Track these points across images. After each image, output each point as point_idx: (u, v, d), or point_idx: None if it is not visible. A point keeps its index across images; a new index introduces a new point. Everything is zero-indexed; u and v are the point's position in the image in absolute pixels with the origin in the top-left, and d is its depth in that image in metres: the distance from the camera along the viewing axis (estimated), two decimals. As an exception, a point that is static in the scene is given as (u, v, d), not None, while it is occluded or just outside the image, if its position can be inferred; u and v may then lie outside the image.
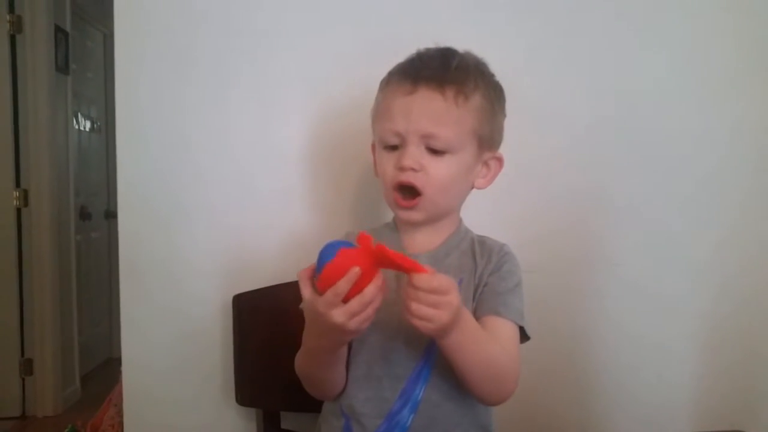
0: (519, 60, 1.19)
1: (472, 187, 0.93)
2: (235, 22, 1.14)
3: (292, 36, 1.14)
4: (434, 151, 0.86)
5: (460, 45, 0.90)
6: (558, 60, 1.20)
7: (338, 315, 0.74)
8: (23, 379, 2.93)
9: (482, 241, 0.95)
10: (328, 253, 0.75)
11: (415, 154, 0.85)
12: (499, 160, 0.94)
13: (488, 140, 0.91)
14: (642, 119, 1.22)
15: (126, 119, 1.14)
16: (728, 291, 1.25)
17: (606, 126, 1.22)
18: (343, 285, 0.73)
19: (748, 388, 1.27)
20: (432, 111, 0.85)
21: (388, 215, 0.98)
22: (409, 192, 0.87)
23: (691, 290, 1.25)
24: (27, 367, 2.92)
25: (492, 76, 0.92)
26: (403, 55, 0.91)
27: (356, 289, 0.73)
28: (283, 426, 1.10)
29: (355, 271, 0.72)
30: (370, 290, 0.74)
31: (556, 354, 1.22)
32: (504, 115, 0.94)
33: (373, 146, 0.95)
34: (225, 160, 1.15)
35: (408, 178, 0.86)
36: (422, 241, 0.92)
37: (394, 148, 0.87)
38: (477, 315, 0.88)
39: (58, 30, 3.00)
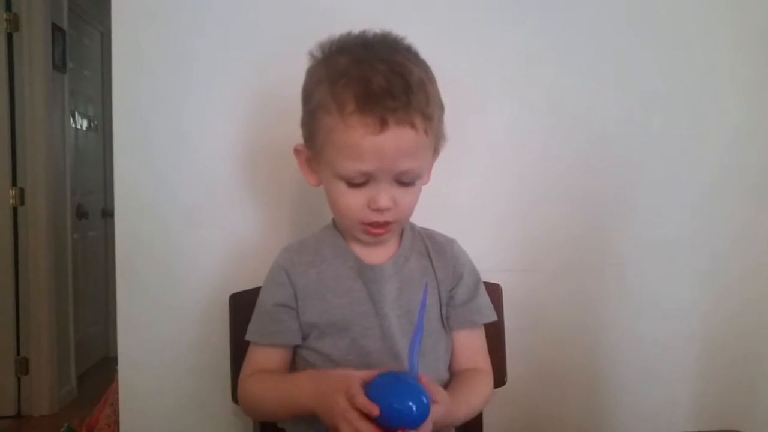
0: (520, 62, 1.19)
1: None
2: (233, 18, 1.14)
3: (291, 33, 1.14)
4: (403, 183, 0.82)
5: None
6: (559, 62, 1.20)
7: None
8: (19, 378, 2.92)
9: (430, 236, 0.95)
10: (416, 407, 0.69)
11: (389, 193, 0.81)
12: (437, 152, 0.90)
13: (440, 145, 0.87)
14: (645, 123, 1.23)
15: (123, 118, 1.14)
16: (730, 294, 1.26)
17: (608, 129, 1.22)
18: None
19: (745, 389, 1.27)
20: (406, 148, 0.78)
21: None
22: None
23: (693, 293, 1.26)
24: (23, 366, 2.91)
25: (427, 67, 0.83)
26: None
27: None
28: (280, 425, 1.10)
29: None
30: None
31: (556, 353, 1.23)
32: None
33: (297, 152, 0.90)
34: (223, 159, 1.15)
35: (384, 217, 0.82)
36: (381, 251, 0.90)
37: (358, 184, 0.81)
38: (451, 326, 0.91)
39: (55, 28, 2.99)
